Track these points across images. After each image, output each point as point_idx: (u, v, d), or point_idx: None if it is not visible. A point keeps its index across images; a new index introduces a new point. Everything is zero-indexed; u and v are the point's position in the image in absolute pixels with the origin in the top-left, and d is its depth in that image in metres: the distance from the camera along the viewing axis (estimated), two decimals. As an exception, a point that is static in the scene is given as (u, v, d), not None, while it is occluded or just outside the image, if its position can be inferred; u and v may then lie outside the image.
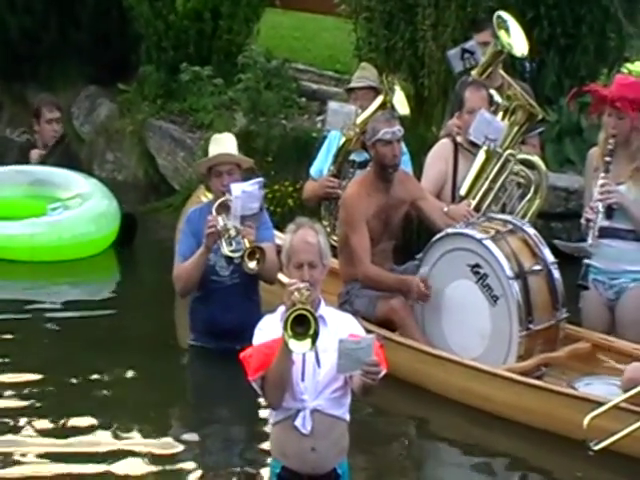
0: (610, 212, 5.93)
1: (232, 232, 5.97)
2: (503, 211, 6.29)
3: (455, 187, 6.35)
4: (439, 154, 6.45)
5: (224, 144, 6.31)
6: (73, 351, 6.41)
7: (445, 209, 6.22)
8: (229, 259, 6.09)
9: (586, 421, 5.07)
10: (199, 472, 5.28)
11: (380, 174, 6.16)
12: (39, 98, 8.38)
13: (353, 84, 6.98)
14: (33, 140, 8.21)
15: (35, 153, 8.06)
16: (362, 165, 6.62)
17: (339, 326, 4.80)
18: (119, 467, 5.21)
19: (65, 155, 8.10)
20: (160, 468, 5.23)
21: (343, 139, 6.64)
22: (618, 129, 5.93)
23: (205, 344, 6.19)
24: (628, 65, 7.33)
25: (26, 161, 8.07)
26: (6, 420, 5.56)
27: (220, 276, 6.14)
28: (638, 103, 5.96)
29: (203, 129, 8.33)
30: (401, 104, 6.54)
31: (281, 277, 5.64)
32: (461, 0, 7.58)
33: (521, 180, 6.39)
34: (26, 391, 5.90)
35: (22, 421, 5.58)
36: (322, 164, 6.80)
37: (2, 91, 9.86)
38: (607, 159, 5.94)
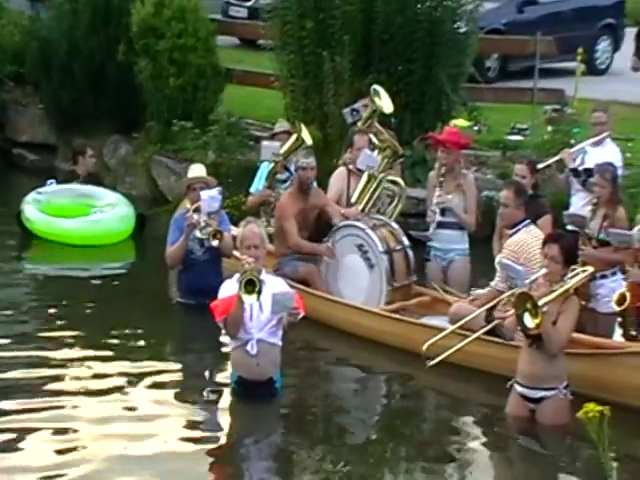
0: (443, 212, 5.99)
1: (202, 223, 5.95)
2: (378, 212, 6.27)
3: (349, 197, 6.30)
4: (338, 176, 6.40)
5: (197, 170, 6.29)
6: (105, 298, 6.37)
7: (342, 211, 6.17)
8: (201, 243, 6.04)
9: (425, 347, 5.03)
10: (183, 378, 5.23)
11: (300, 189, 6.13)
12: (81, 142, 8.25)
13: (275, 130, 7.03)
14: (74, 169, 8.11)
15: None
16: (284, 181, 6.61)
17: (273, 285, 4.84)
18: (130, 379, 5.12)
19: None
20: (154, 379, 5.14)
21: (272, 165, 6.62)
22: (447, 160, 6.01)
23: (187, 300, 6.08)
24: (453, 121, 7.43)
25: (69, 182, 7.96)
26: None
27: (196, 255, 6.08)
28: (459, 144, 6.08)
29: (187, 162, 8.23)
30: (307, 137, 6.55)
31: (236, 254, 5.59)
32: (350, 79, 7.55)
33: (389, 193, 6.37)
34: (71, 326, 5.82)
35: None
36: (257, 185, 6.75)
37: (57, 138, 9.67)
38: (441, 179, 6.02)
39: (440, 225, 6.00)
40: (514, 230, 5.26)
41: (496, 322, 4.88)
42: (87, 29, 9.14)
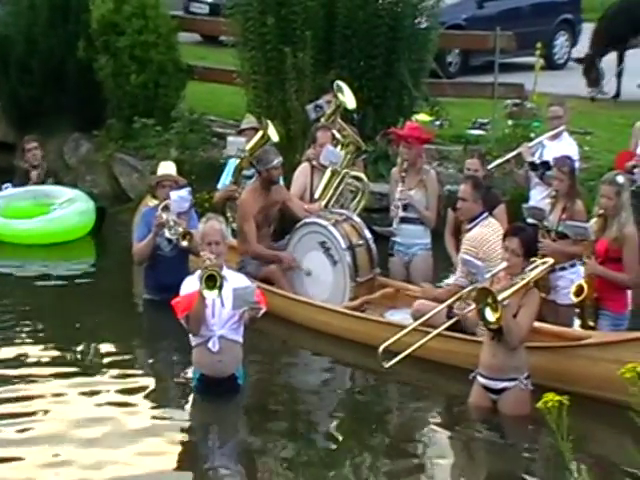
0: (405, 207, 5.99)
1: (171, 223, 5.93)
2: (342, 207, 6.26)
3: (312, 193, 6.28)
4: (301, 172, 6.38)
5: (167, 168, 6.29)
6: (68, 296, 6.33)
7: (305, 207, 6.15)
8: (169, 240, 6.02)
9: (380, 349, 4.95)
10: (147, 376, 5.19)
11: (265, 185, 6.05)
12: (23, 140, 8.14)
13: (242, 127, 6.94)
14: (24, 165, 8.00)
15: (34, 174, 7.87)
16: (250, 177, 6.53)
17: (235, 281, 4.82)
18: (97, 377, 5.13)
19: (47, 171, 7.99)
20: (118, 376, 5.13)
21: (238, 161, 6.56)
22: (409, 156, 6.01)
23: (154, 297, 6.04)
24: (415, 116, 7.46)
25: (26, 180, 7.86)
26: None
27: (163, 251, 6.06)
28: (421, 139, 6.09)
29: (149, 159, 8.17)
30: (273, 134, 6.50)
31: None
32: (313, 75, 7.52)
33: (353, 188, 6.38)
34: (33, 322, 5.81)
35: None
36: (224, 180, 6.71)
37: (16, 137, 9.48)
38: (403, 174, 6.02)
39: (403, 220, 6.00)
40: (472, 224, 5.31)
41: (456, 319, 4.89)
42: (46, 25, 9.00)
